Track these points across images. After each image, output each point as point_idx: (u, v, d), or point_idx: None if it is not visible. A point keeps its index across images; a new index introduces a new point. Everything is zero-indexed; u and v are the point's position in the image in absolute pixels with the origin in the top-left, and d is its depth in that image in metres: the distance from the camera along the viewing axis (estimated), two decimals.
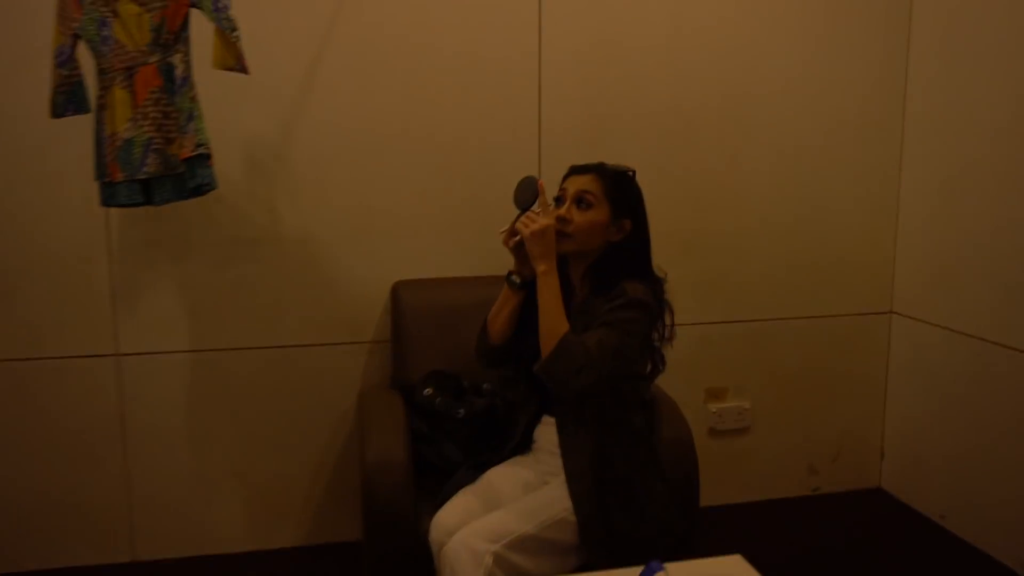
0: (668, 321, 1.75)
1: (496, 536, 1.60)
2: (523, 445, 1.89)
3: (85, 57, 1.96)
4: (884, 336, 2.80)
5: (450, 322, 2.25)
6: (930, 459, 2.65)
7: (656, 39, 2.47)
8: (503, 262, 1.79)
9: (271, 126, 2.28)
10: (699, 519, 2.01)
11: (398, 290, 2.33)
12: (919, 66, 2.64)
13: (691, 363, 2.59)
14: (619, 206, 1.73)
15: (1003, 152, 2.34)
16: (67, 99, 1.99)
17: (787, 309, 2.71)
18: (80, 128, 2.02)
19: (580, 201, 1.72)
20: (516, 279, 1.77)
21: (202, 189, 1.95)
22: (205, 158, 1.92)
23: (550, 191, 1.73)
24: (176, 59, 1.91)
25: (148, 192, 1.97)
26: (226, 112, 2.17)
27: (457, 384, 2.15)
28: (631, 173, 1.79)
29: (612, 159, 1.80)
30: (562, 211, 1.72)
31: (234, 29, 1.86)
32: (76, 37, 1.94)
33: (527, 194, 1.70)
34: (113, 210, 2.18)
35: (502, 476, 1.82)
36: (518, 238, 1.69)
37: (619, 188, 1.74)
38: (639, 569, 1.34)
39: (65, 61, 1.95)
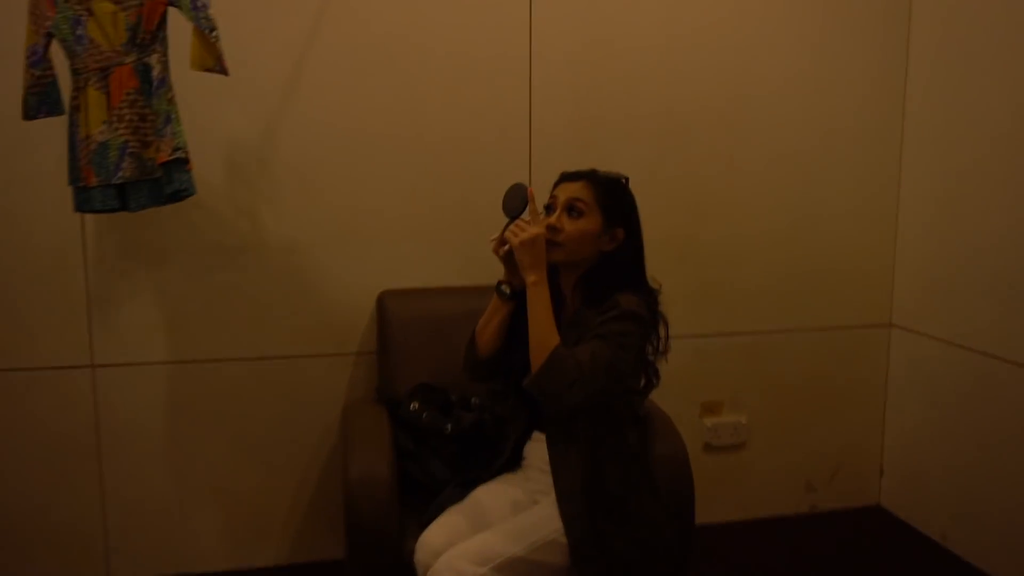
0: (663, 333, 1.70)
1: (484, 558, 1.55)
2: (512, 462, 1.84)
3: (59, 57, 1.91)
4: (883, 349, 2.77)
5: (438, 333, 2.21)
6: (931, 476, 2.62)
7: (650, 40, 2.45)
8: (493, 271, 1.74)
9: (253, 129, 2.24)
10: (694, 538, 1.97)
11: (384, 300, 2.29)
12: (919, 68, 2.62)
13: (686, 376, 2.55)
14: (611, 214, 1.69)
15: (1006, 158, 2.31)
16: (40, 100, 1.94)
17: (784, 321, 2.68)
18: (54, 130, 1.98)
19: (571, 209, 1.68)
20: (506, 289, 1.72)
21: (180, 195, 1.90)
22: (183, 162, 1.87)
23: (540, 198, 1.69)
24: (153, 59, 1.86)
25: (124, 197, 1.92)
26: (206, 115, 2.13)
27: (444, 398, 2.11)
28: (624, 180, 1.74)
29: (604, 163, 1.76)
30: (552, 219, 1.67)
31: (213, 28, 1.82)
32: (49, 36, 1.89)
33: (516, 202, 1.66)
34: (89, 216, 2.13)
35: (490, 495, 1.78)
36: (508, 247, 1.64)
37: (611, 196, 1.70)
38: None
39: (38, 61, 1.90)
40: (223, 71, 1.85)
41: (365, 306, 2.34)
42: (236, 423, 2.34)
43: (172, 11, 1.84)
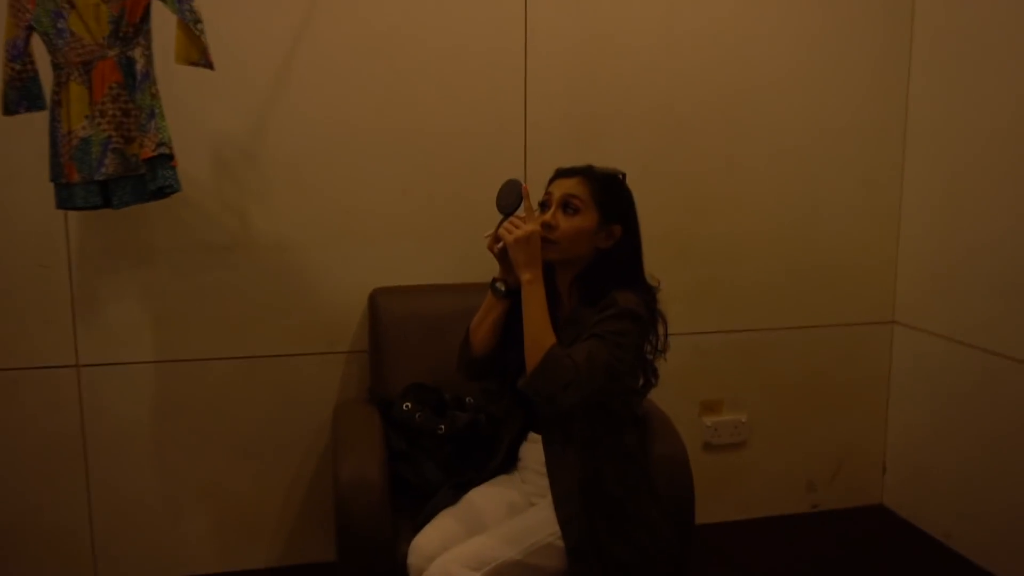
0: (661, 332, 1.68)
1: (478, 562, 1.53)
2: (508, 463, 1.82)
3: (40, 50, 1.87)
4: (886, 347, 2.74)
5: (431, 332, 2.17)
6: (934, 475, 2.60)
7: (648, 34, 2.41)
8: (488, 268, 1.71)
9: (241, 124, 2.20)
10: (694, 539, 1.95)
11: (376, 298, 2.25)
12: (921, 63, 2.59)
13: (685, 375, 2.53)
14: (608, 211, 1.66)
15: (1010, 154, 2.28)
16: (20, 95, 1.90)
17: (785, 318, 2.65)
18: (35, 126, 1.93)
19: (566, 206, 1.65)
20: (501, 287, 1.70)
21: (164, 191, 1.87)
22: (167, 158, 1.83)
23: (536, 194, 1.66)
24: (136, 53, 1.82)
25: (107, 194, 1.89)
26: (191, 109, 2.09)
27: (438, 398, 2.08)
28: (621, 176, 1.71)
29: (601, 159, 1.72)
30: (547, 217, 1.64)
31: (198, 21, 1.79)
32: (30, 29, 1.85)
33: (511, 198, 1.63)
34: (72, 213, 2.10)
35: (485, 497, 1.76)
36: (503, 244, 1.61)
37: (608, 192, 1.67)
38: None
39: (18, 55, 1.86)
40: (209, 65, 1.81)
41: (357, 304, 2.31)
42: (225, 423, 2.31)
43: (156, 3, 1.80)
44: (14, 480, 2.21)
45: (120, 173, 1.84)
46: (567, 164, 1.71)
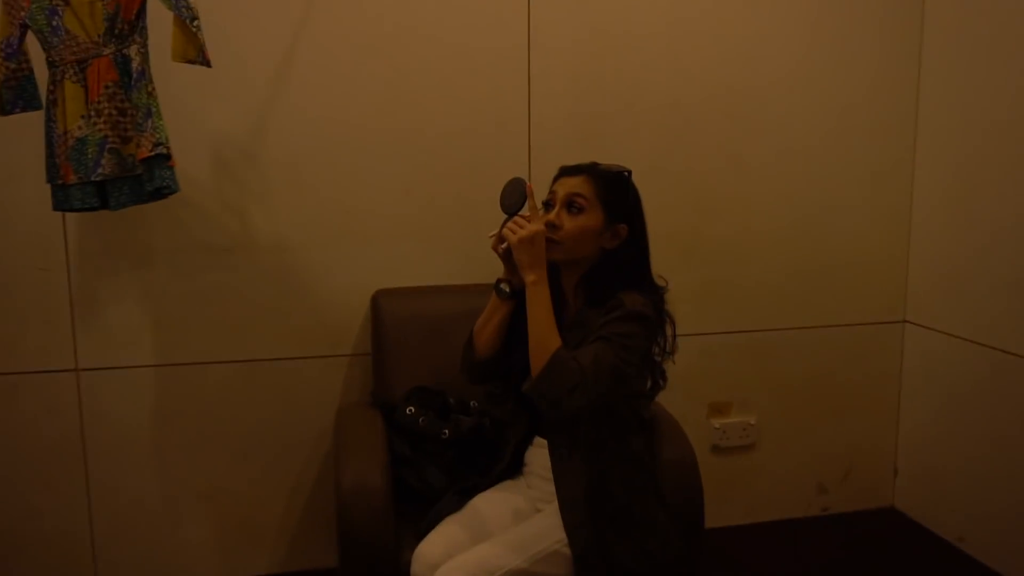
0: (669, 334, 1.65)
1: (483, 571, 1.50)
2: (513, 469, 1.79)
3: (35, 49, 1.85)
4: (897, 346, 2.71)
5: (435, 334, 2.15)
6: (946, 477, 2.57)
7: (653, 29, 2.38)
8: (492, 269, 1.69)
9: (240, 123, 2.17)
10: (703, 545, 1.94)
11: (379, 299, 2.22)
12: (933, 58, 2.55)
13: (692, 376, 2.50)
14: (614, 210, 1.63)
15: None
16: (16, 94, 1.87)
17: (794, 318, 2.62)
18: (31, 126, 1.91)
19: (571, 205, 1.62)
20: (505, 288, 1.67)
21: (162, 192, 1.84)
22: (164, 158, 1.80)
23: (540, 193, 1.63)
24: (132, 51, 1.80)
25: (104, 195, 1.86)
26: (190, 108, 2.07)
27: (442, 402, 2.05)
28: (627, 173, 1.68)
29: (606, 157, 1.70)
30: (551, 216, 1.61)
31: (195, 18, 1.76)
32: (24, 27, 1.82)
33: (514, 197, 1.60)
34: (71, 215, 2.07)
35: (490, 503, 1.73)
36: (506, 244, 1.58)
37: (613, 191, 1.64)
38: None
39: (13, 53, 1.83)
40: (206, 63, 1.78)
41: (359, 306, 2.28)
42: (226, 427, 2.28)
43: (152, 0, 1.76)
44: (14, 485, 2.19)
45: (117, 174, 1.82)
46: (571, 162, 1.68)
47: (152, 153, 1.76)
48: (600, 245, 1.62)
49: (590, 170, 1.64)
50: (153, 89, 1.79)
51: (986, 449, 2.41)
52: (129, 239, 2.15)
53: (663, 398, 1.77)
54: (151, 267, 2.18)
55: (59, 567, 2.24)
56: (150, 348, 2.21)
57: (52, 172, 1.86)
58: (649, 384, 1.69)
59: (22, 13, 1.79)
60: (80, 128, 1.80)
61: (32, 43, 1.83)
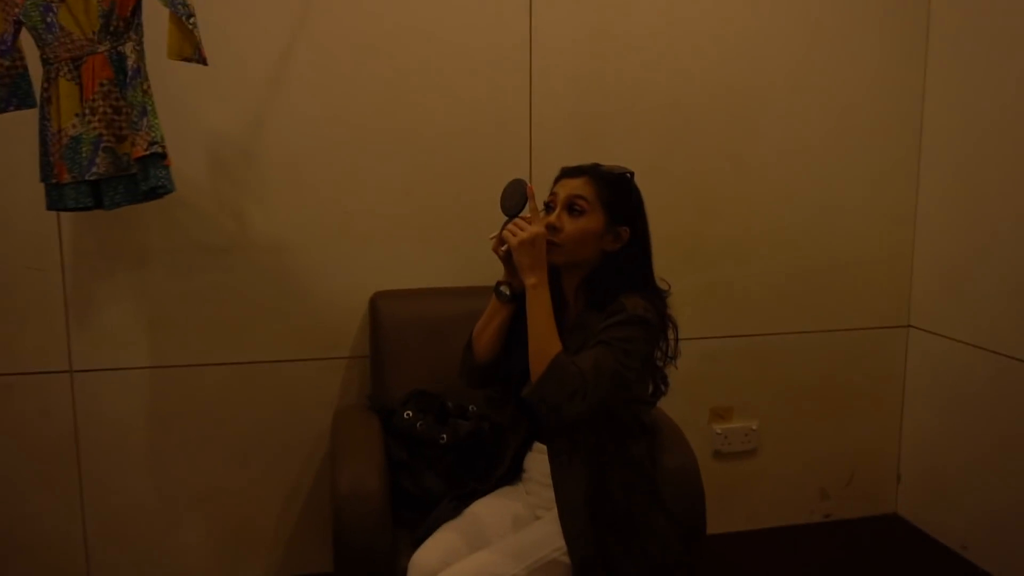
0: (671, 338, 1.63)
1: None
2: (512, 474, 1.77)
3: (29, 46, 1.82)
4: (900, 351, 2.70)
5: (434, 337, 2.13)
6: (950, 483, 2.55)
7: (655, 28, 2.37)
8: (492, 271, 1.67)
9: (238, 122, 2.15)
10: (705, 552, 1.94)
11: (377, 301, 2.21)
12: (939, 57, 2.53)
13: (694, 381, 2.48)
14: (615, 212, 1.61)
15: None
16: (10, 92, 1.85)
17: (796, 322, 2.61)
18: (25, 124, 1.89)
19: (572, 207, 1.60)
20: (505, 291, 1.65)
21: (157, 192, 1.82)
22: (160, 157, 1.78)
23: (541, 195, 1.61)
24: (127, 48, 1.77)
25: (98, 195, 1.84)
26: (186, 107, 2.06)
27: (440, 406, 2.03)
28: (629, 175, 1.66)
29: (608, 158, 1.68)
30: (552, 218, 1.59)
31: (191, 15, 1.73)
32: (18, 24, 1.80)
33: (515, 199, 1.58)
34: (65, 215, 2.05)
35: (488, 509, 1.71)
36: (507, 247, 1.56)
37: (615, 193, 1.62)
38: None
39: (6, 50, 1.81)
40: (202, 60, 1.76)
41: (357, 308, 2.27)
42: (222, 430, 2.26)
43: None
44: (7, 487, 2.17)
45: (112, 173, 1.79)
46: (573, 163, 1.66)
47: (147, 152, 1.74)
48: (602, 248, 1.60)
49: (592, 171, 1.62)
50: (148, 87, 1.77)
51: (990, 456, 2.39)
52: (125, 239, 2.13)
53: (664, 403, 1.76)
54: (147, 267, 2.16)
55: (52, 570, 2.22)
56: (146, 349, 2.18)
57: (46, 171, 1.84)
58: (650, 389, 1.67)
59: (16, 9, 1.77)
60: (74, 126, 1.78)
61: (26, 40, 1.81)
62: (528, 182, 1.56)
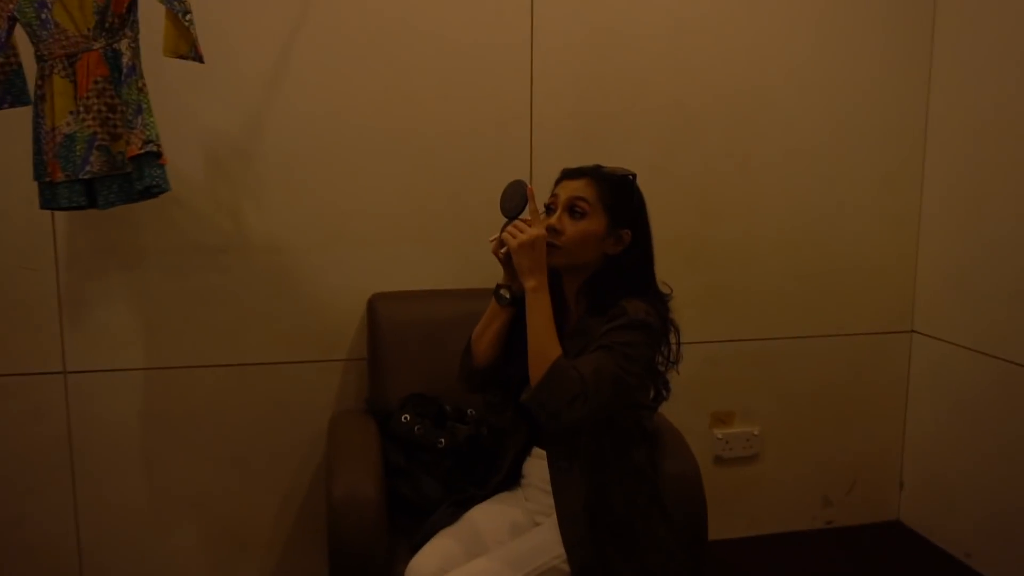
0: (673, 342, 1.61)
1: None
2: (511, 480, 1.75)
3: (24, 42, 1.80)
4: (904, 356, 2.68)
5: (432, 339, 2.11)
6: (954, 490, 2.53)
7: (658, 27, 2.35)
8: (491, 273, 1.65)
9: (234, 121, 2.13)
10: (706, 561, 1.88)
11: (375, 303, 2.19)
12: (944, 59, 2.52)
13: (695, 385, 2.46)
14: (617, 215, 1.58)
15: None
16: (4, 89, 1.82)
17: (799, 327, 2.59)
18: (19, 122, 1.86)
19: (573, 209, 1.58)
20: (505, 294, 1.63)
21: (152, 191, 1.79)
22: (155, 156, 1.75)
23: (541, 196, 1.59)
24: (123, 45, 1.74)
25: (92, 194, 1.81)
26: (182, 105, 2.04)
27: (438, 409, 2.01)
28: (631, 177, 1.63)
29: (609, 159, 1.65)
30: (552, 220, 1.57)
31: (187, 12, 1.71)
32: (12, 20, 1.77)
33: (515, 200, 1.56)
34: (60, 214, 2.03)
35: (486, 516, 1.69)
36: (506, 249, 1.54)
37: (617, 195, 1.59)
38: None
39: (0, 47, 1.77)
40: (198, 58, 1.73)
41: (355, 310, 2.24)
42: (217, 433, 2.24)
43: None
44: None
45: (106, 172, 1.76)
46: (574, 164, 1.64)
47: (142, 151, 1.71)
48: (603, 250, 1.58)
49: (593, 173, 1.60)
50: (144, 85, 1.74)
51: (994, 462, 2.37)
52: (120, 239, 2.11)
53: (665, 407, 1.73)
54: (142, 268, 2.13)
55: (45, 574, 2.19)
56: (140, 351, 2.16)
57: (39, 169, 1.81)
58: (652, 394, 1.65)
59: (10, 5, 1.74)
60: (68, 124, 1.75)
61: (21, 37, 1.79)
62: (528, 183, 1.54)
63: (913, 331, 2.66)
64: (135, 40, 1.74)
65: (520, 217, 1.54)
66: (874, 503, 2.72)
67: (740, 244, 2.49)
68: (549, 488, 1.59)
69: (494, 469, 1.78)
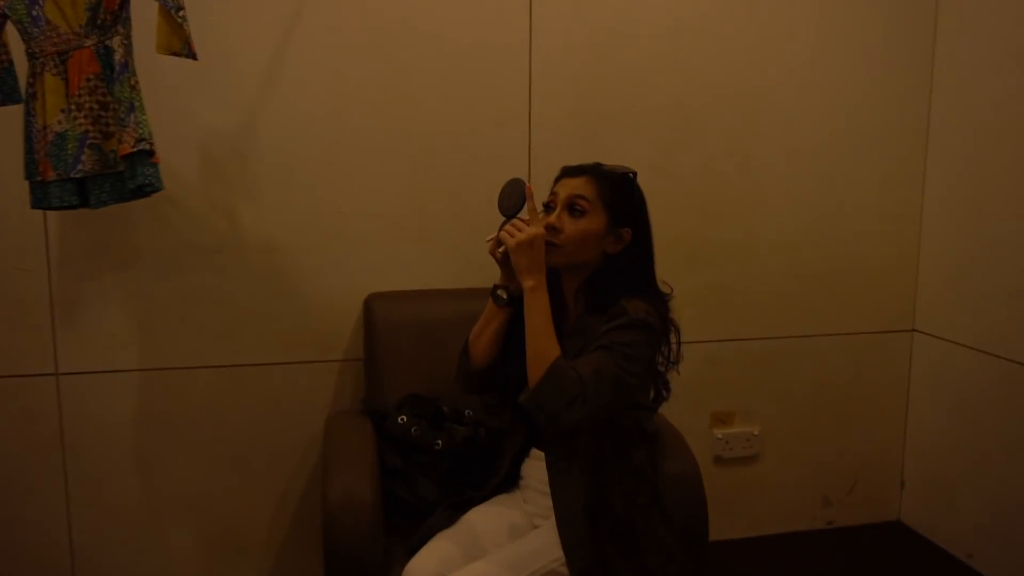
0: (674, 342, 1.59)
1: None
2: (509, 481, 1.74)
3: (14, 40, 1.78)
4: (905, 356, 2.67)
5: (429, 340, 2.09)
6: (955, 490, 2.52)
7: (658, 26, 2.33)
8: (489, 273, 1.63)
9: (229, 119, 2.11)
10: (706, 562, 1.86)
11: (371, 303, 2.16)
12: (946, 58, 2.50)
13: (695, 385, 2.44)
14: (617, 213, 1.57)
15: None
16: None
17: (800, 326, 2.57)
18: (10, 120, 1.85)
19: (573, 207, 1.56)
20: (502, 294, 1.61)
21: (145, 190, 1.77)
22: (147, 154, 1.73)
23: (540, 195, 1.58)
24: (115, 42, 1.72)
25: (84, 193, 1.79)
26: (175, 103, 2.02)
27: (436, 410, 1.99)
28: (632, 175, 1.62)
29: (609, 159, 1.64)
30: (552, 219, 1.56)
31: (180, 8, 1.69)
32: (3, 17, 1.75)
33: (513, 199, 1.55)
34: (52, 213, 2.01)
35: (485, 518, 1.68)
36: (504, 248, 1.52)
37: (617, 193, 1.58)
38: None
39: None
40: (192, 55, 1.72)
41: (351, 310, 2.23)
42: (212, 435, 2.22)
43: None
44: None
45: (98, 170, 1.74)
46: (573, 163, 1.62)
47: (134, 149, 1.69)
48: (603, 249, 1.57)
49: (593, 171, 1.58)
50: (136, 82, 1.72)
51: (996, 462, 2.36)
52: (113, 239, 2.09)
53: (664, 407, 1.72)
54: (135, 268, 2.11)
55: None
56: (134, 352, 2.14)
57: (31, 168, 1.79)
58: (652, 395, 1.63)
59: (1, 2, 1.72)
60: (60, 123, 1.73)
61: (12, 34, 1.77)
62: (527, 182, 1.52)
63: (914, 330, 2.65)
64: (128, 37, 1.72)
65: (518, 216, 1.52)
66: (875, 503, 2.71)
67: (740, 244, 2.48)
68: (548, 490, 1.57)
69: (492, 471, 1.76)
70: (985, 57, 2.37)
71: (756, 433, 2.57)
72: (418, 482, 1.86)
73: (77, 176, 1.73)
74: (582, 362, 1.43)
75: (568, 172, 1.61)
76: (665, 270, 1.64)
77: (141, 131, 1.70)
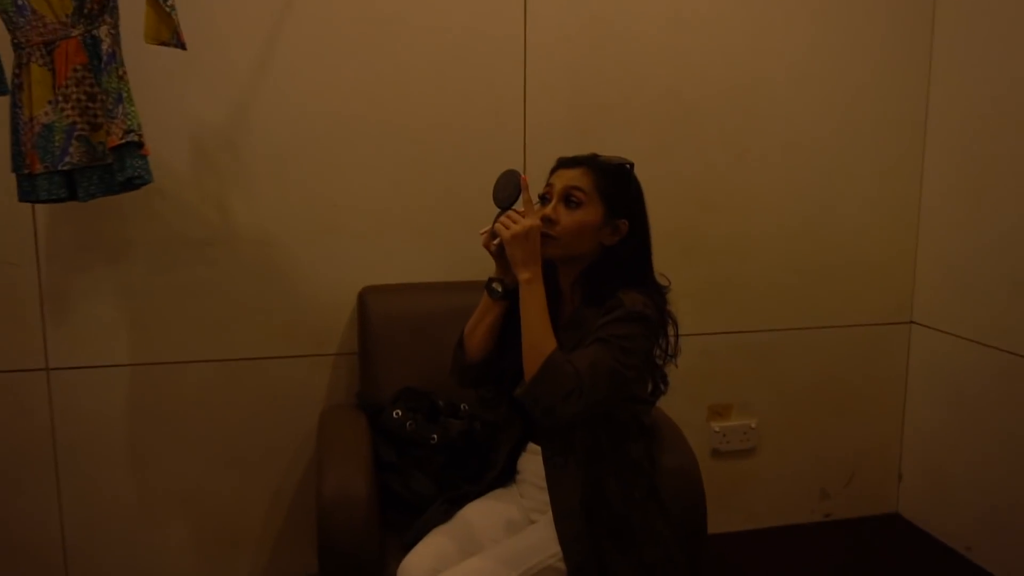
0: (671, 335, 1.58)
1: None
2: (505, 476, 1.72)
3: None
4: (903, 348, 2.66)
5: (424, 333, 2.08)
6: (953, 483, 2.51)
7: (654, 17, 2.32)
8: (484, 266, 1.62)
9: (220, 110, 2.09)
10: (704, 556, 1.86)
11: (365, 297, 2.15)
12: (945, 49, 2.49)
13: (692, 378, 2.43)
14: (614, 204, 1.55)
15: None
16: None
17: (797, 318, 2.57)
18: None
19: (569, 199, 1.54)
20: (497, 287, 1.59)
21: (134, 182, 1.75)
22: (136, 146, 1.71)
23: (536, 187, 1.56)
24: (102, 32, 1.70)
25: (72, 185, 1.77)
26: (165, 93, 2.00)
27: (431, 404, 1.98)
28: (628, 166, 1.60)
29: (605, 150, 1.62)
30: (547, 210, 1.54)
31: None
32: None
33: (508, 190, 1.53)
34: (40, 207, 1.99)
35: (481, 513, 1.66)
36: (499, 240, 1.50)
37: (614, 184, 1.56)
38: None
39: None
40: (180, 45, 1.69)
41: (345, 303, 2.21)
42: (205, 430, 2.21)
43: None
44: None
45: (86, 163, 1.72)
46: (568, 155, 1.60)
47: (123, 141, 1.67)
48: (599, 241, 1.55)
49: (590, 162, 1.57)
50: (124, 73, 1.70)
51: (994, 454, 2.35)
52: (103, 232, 2.07)
53: (661, 401, 1.70)
54: (126, 261, 2.10)
55: (28, 573, 2.16)
56: (125, 346, 2.12)
57: (17, 161, 1.77)
58: (650, 388, 1.62)
59: None
60: (47, 114, 1.70)
61: None
62: (522, 173, 1.51)
63: (912, 322, 2.64)
64: (115, 26, 1.69)
65: (513, 208, 1.50)
66: (873, 496, 2.71)
67: (738, 236, 2.47)
68: (544, 484, 1.56)
69: (488, 465, 1.75)
70: (983, 50, 2.36)
71: (753, 426, 2.57)
72: (413, 476, 1.85)
73: (65, 168, 1.71)
74: (578, 355, 1.42)
75: (564, 163, 1.59)
76: (662, 262, 1.62)
77: (130, 122, 1.68)
